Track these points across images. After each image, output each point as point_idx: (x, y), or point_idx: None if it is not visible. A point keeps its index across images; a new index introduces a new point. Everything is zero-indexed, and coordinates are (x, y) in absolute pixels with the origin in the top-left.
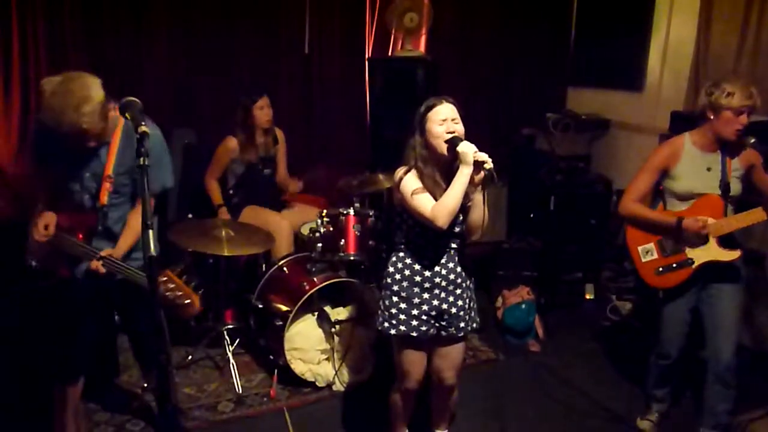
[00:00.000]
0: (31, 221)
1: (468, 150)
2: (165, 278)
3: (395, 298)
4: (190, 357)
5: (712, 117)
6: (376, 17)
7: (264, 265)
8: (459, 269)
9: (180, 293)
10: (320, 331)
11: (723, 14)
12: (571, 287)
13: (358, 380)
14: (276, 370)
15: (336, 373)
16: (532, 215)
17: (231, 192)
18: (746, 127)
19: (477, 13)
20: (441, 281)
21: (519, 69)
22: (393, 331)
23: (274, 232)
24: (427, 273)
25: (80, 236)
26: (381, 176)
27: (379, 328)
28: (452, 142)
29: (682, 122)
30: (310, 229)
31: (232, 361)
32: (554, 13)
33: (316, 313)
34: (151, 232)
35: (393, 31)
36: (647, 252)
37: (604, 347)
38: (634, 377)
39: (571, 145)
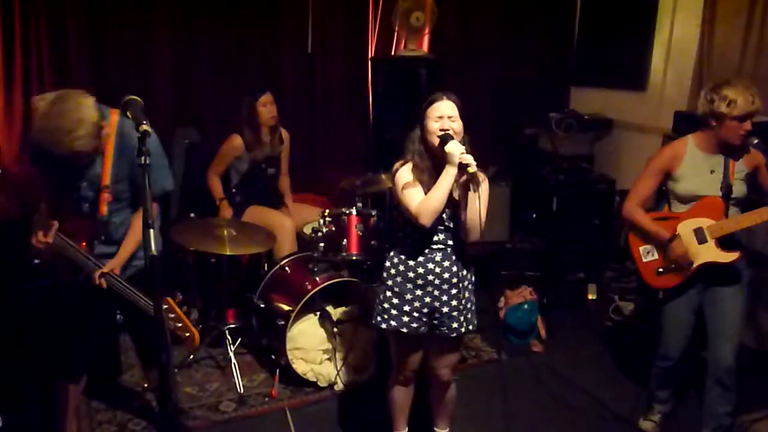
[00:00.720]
0: (32, 221)
1: (454, 150)
2: (166, 306)
3: (389, 293)
4: (191, 356)
5: (714, 125)
6: (379, 17)
7: (266, 265)
8: (455, 269)
9: (180, 325)
10: (322, 330)
11: (726, 13)
12: (573, 287)
13: (360, 380)
14: (278, 370)
15: (338, 373)
16: (534, 215)
17: (234, 190)
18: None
19: (480, 13)
20: (434, 279)
21: (522, 68)
22: (384, 326)
23: (277, 231)
24: (421, 270)
25: (83, 244)
26: (383, 176)
27: (373, 321)
28: (443, 140)
29: (685, 122)
30: (313, 228)
31: (233, 360)
32: (557, 12)
33: (318, 313)
34: (152, 231)
35: (396, 31)
36: (648, 252)
37: (606, 348)
38: (636, 378)
39: (574, 144)
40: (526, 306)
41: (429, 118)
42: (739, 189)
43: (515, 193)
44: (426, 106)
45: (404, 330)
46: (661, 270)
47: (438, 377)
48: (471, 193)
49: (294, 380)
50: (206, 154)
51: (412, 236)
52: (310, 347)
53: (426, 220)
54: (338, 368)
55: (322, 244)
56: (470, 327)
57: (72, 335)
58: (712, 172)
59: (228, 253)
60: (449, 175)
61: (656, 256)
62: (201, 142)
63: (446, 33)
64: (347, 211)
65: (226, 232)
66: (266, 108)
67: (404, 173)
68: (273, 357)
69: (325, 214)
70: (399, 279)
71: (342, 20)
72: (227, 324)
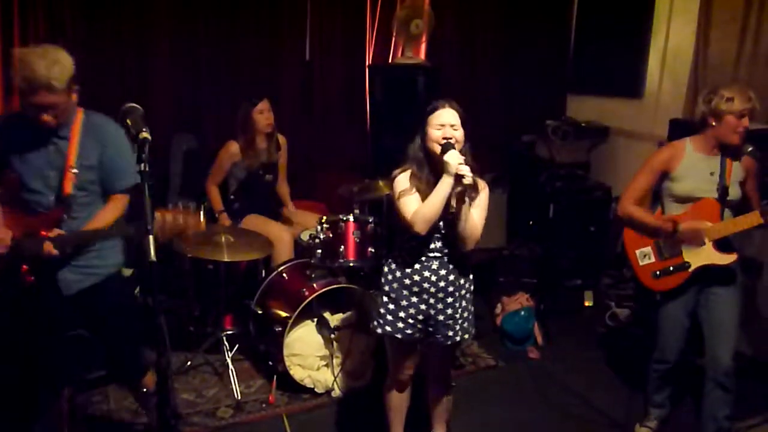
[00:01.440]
0: None
1: (452, 161)
2: (158, 215)
3: (385, 299)
4: (189, 362)
5: (714, 123)
6: (377, 24)
7: (264, 271)
8: (452, 277)
9: (181, 215)
10: (319, 337)
11: (722, 21)
12: (570, 294)
13: (357, 387)
14: (275, 376)
15: (335, 380)
16: (531, 222)
17: (232, 197)
18: (746, 131)
19: (477, 21)
20: (430, 287)
21: (519, 76)
22: (379, 330)
23: (275, 241)
24: (417, 277)
25: (42, 232)
26: (381, 183)
27: (370, 325)
28: (443, 149)
29: (680, 129)
30: (310, 235)
31: (231, 366)
32: (554, 20)
33: (315, 320)
34: (151, 237)
35: (393, 38)
36: (645, 255)
37: (603, 354)
38: (633, 384)
39: (571, 152)
40: (523, 312)
41: (431, 126)
42: (734, 192)
43: (512, 200)
44: (428, 113)
45: (398, 336)
46: (658, 273)
47: (435, 382)
48: (464, 205)
49: (291, 386)
50: (204, 160)
51: (409, 243)
52: (308, 353)
53: (420, 228)
54: (335, 374)
55: (319, 251)
56: (466, 336)
57: (38, 342)
58: (711, 174)
59: (225, 259)
60: (446, 184)
61: (653, 259)
62: (199, 149)
63: (444, 40)
64: (345, 218)
65: (223, 238)
66: (263, 115)
67: (402, 180)
68: (270, 363)
69: (323, 220)
70: (395, 285)
71: (340, 27)
72: (224, 330)
